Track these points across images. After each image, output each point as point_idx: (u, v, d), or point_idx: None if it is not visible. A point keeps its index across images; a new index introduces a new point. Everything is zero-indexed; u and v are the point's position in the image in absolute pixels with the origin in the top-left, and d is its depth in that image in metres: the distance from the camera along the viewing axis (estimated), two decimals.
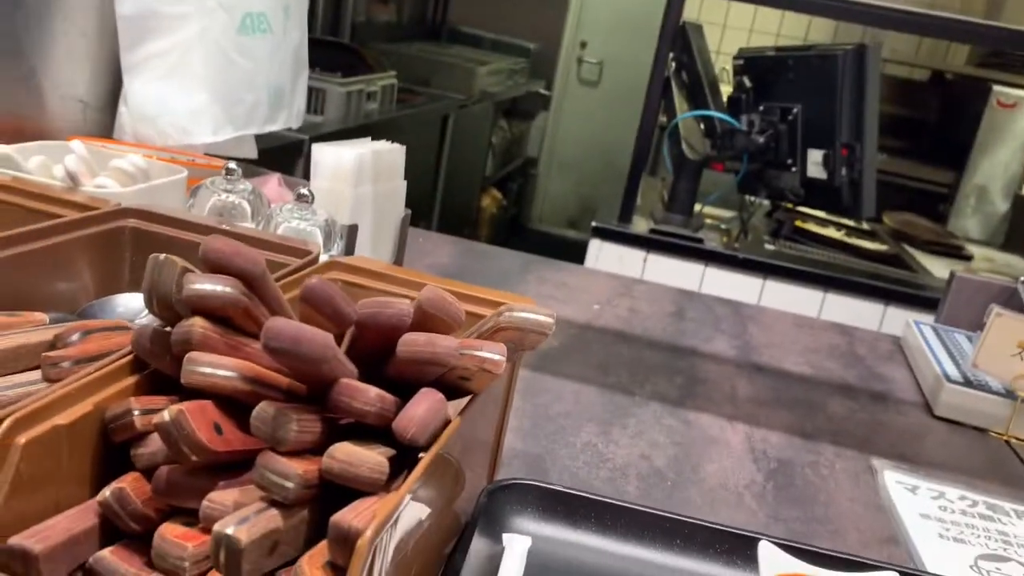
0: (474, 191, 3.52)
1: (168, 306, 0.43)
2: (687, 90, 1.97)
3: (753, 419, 0.85)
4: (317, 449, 0.40)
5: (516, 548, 0.55)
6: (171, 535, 0.39)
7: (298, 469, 0.38)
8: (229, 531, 0.35)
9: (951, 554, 0.66)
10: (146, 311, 0.44)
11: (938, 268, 2.02)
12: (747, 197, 2.06)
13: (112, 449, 0.43)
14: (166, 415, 0.39)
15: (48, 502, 0.40)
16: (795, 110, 1.84)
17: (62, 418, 0.40)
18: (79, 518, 0.40)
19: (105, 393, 0.42)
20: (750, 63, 2.02)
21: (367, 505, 0.39)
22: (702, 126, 1.91)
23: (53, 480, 0.40)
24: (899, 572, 0.55)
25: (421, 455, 0.41)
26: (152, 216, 0.68)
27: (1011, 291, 1.14)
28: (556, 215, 4.26)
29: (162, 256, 0.43)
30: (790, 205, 2.11)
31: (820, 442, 0.82)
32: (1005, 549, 0.68)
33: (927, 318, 1.18)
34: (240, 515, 0.37)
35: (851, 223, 2.24)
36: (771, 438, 0.82)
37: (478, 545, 0.54)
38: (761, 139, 1.86)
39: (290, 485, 0.38)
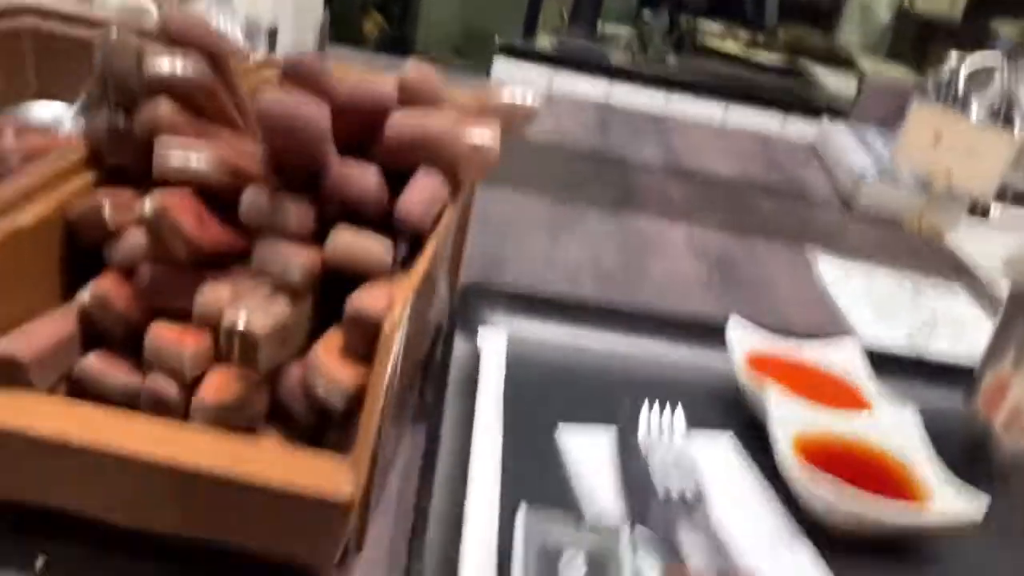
0: (356, 13, 3.33)
1: (126, 90, 0.38)
2: None
3: (690, 220, 0.86)
4: (310, 239, 0.38)
5: (493, 342, 0.55)
6: (166, 335, 0.36)
7: (302, 255, 0.36)
8: (242, 321, 0.33)
9: (888, 327, 0.70)
10: (72, 116, 0.39)
11: (832, 80, 2.07)
12: (644, 13, 2.02)
13: (79, 252, 0.39)
14: (148, 206, 0.35)
15: (18, 310, 0.36)
16: None
17: (24, 219, 0.36)
18: (59, 324, 0.37)
19: (66, 190, 0.38)
20: None
21: (377, 290, 0.37)
22: None
23: (21, 286, 0.37)
24: (859, 342, 0.58)
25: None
26: (53, 14, 0.60)
27: (920, 90, 1.18)
28: (441, 41, 4.10)
29: (115, 34, 0.38)
30: (689, 21, 2.09)
31: (755, 238, 0.85)
32: (933, 320, 0.73)
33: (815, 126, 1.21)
34: (249, 306, 0.34)
35: (748, 37, 2.24)
36: (709, 236, 0.83)
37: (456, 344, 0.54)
38: None
39: (296, 271, 0.36)
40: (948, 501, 0.44)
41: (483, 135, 0.42)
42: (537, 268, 0.70)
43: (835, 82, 2.07)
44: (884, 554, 0.44)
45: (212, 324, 0.37)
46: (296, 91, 0.36)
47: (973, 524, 0.43)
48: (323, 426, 0.37)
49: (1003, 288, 0.82)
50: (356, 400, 0.35)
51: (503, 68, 1.84)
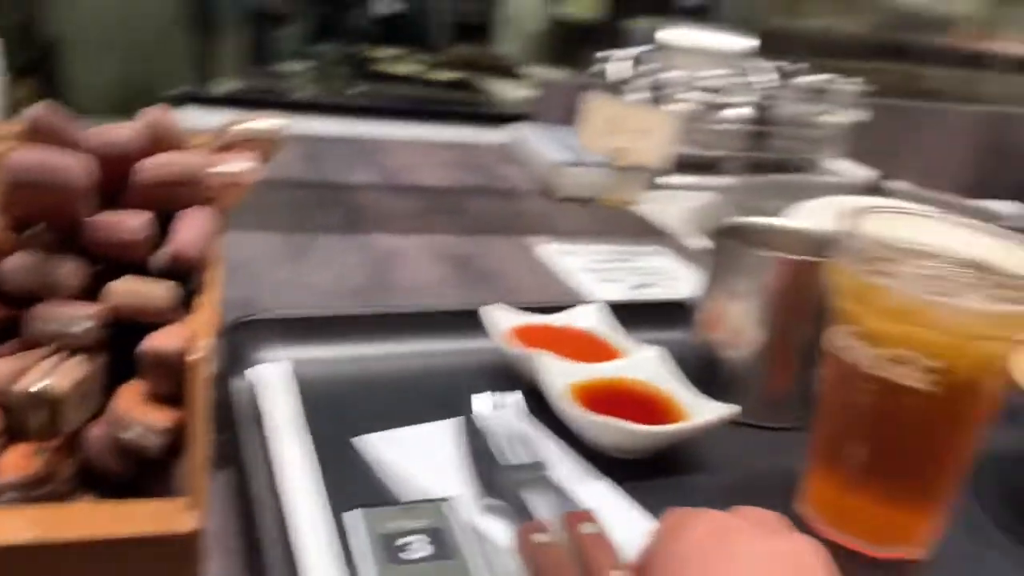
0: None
1: None
2: None
3: (420, 229, 0.91)
4: (89, 296, 0.37)
5: (274, 371, 0.55)
6: None
7: (83, 310, 0.35)
8: (40, 385, 0.32)
9: (615, 289, 0.79)
10: None
11: (503, 89, 2.23)
12: (317, 47, 2.05)
13: None
14: None
15: None
16: None
17: None
18: None
19: None
20: None
21: (169, 330, 0.37)
22: None
23: None
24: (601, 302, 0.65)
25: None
26: None
27: (588, 85, 1.32)
28: (100, 100, 3.82)
29: None
30: (360, 50, 2.15)
31: (483, 235, 0.91)
32: (646, 277, 0.83)
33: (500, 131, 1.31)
34: (43, 369, 0.33)
35: (421, 59, 2.35)
36: (441, 241, 0.88)
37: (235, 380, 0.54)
38: None
39: (88, 325, 0.35)
40: (704, 413, 0.52)
41: (237, 165, 0.43)
42: (289, 298, 0.70)
43: (508, 90, 2.23)
44: (664, 470, 0.51)
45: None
46: (44, 147, 0.35)
47: (725, 424, 0.51)
48: (137, 480, 0.37)
49: (689, 240, 0.95)
50: (171, 443, 0.35)
51: (186, 117, 1.77)
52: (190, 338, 0.36)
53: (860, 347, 0.43)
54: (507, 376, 0.58)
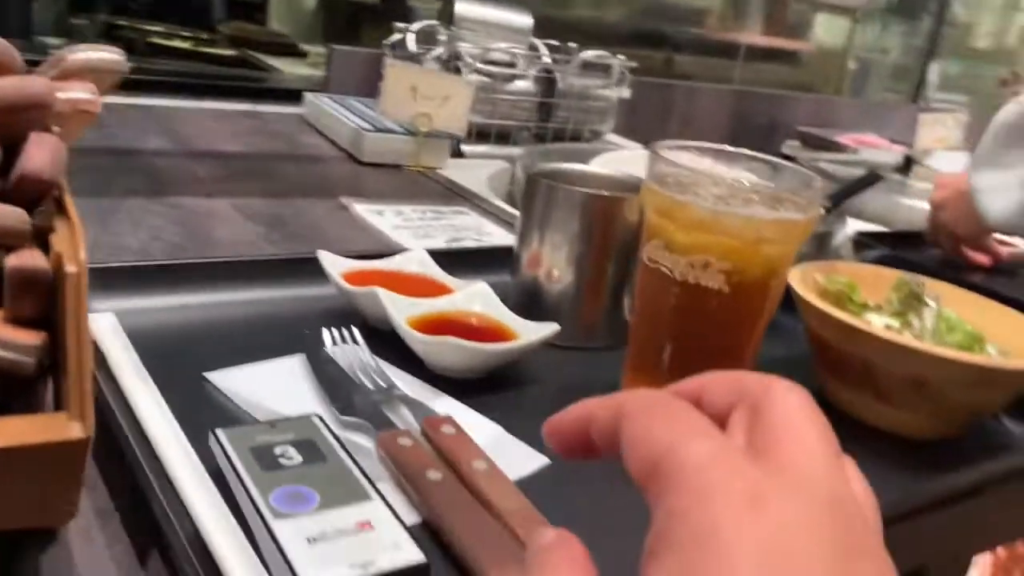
0: None
1: None
2: None
3: (227, 192, 0.90)
4: None
5: (105, 325, 0.54)
6: None
7: None
8: None
9: (430, 243, 0.83)
10: None
11: (283, 65, 2.19)
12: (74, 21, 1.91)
13: None
14: None
15: None
16: None
17: None
18: None
19: None
20: None
21: (28, 251, 0.36)
22: None
23: None
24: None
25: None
26: None
27: (379, 56, 1.34)
28: None
29: None
30: (125, 22, 2.02)
31: (292, 197, 0.92)
32: (458, 232, 0.88)
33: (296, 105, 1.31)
34: None
35: (190, 34, 2.25)
36: (254, 203, 0.88)
37: None
38: None
39: None
40: (531, 333, 0.57)
41: (81, 93, 0.42)
42: (107, 257, 0.68)
43: (288, 66, 2.20)
44: (500, 387, 0.56)
45: None
46: None
47: (549, 346, 0.57)
48: (10, 399, 0.36)
49: (491, 201, 1.01)
50: (44, 361, 0.35)
51: None
52: (55, 256, 0.36)
53: (669, 257, 0.49)
54: (342, 317, 0.60)
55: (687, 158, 0.52)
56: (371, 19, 2.71)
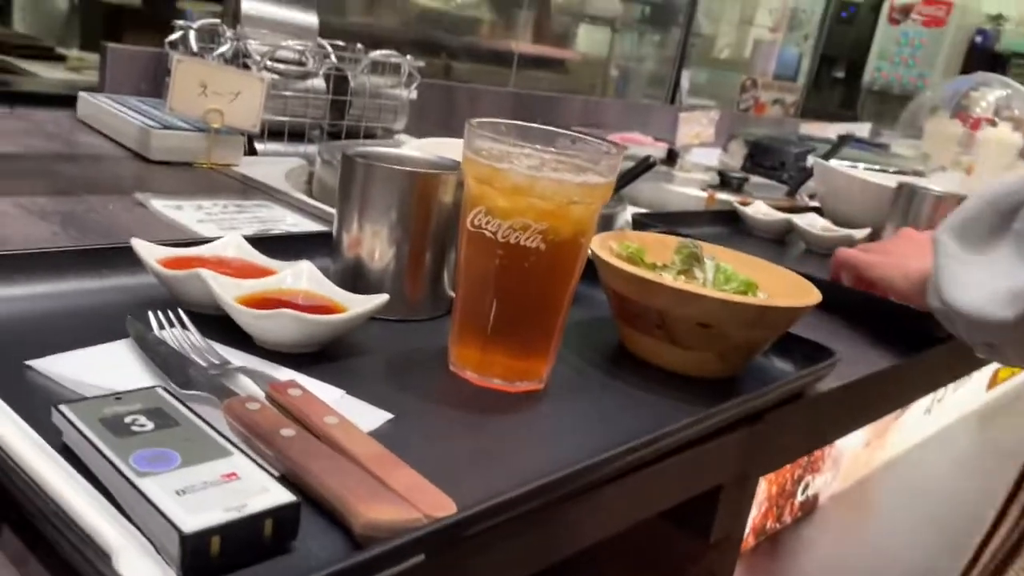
0: None
1: None
2: None
3: (8, 192, 0.84)
4: None
5: None
6: None
7: None
8: None
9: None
10: None
11: (39, 69, 2.03)
12: None
13: None
14: None
15: None
16: None
17: None
18: None
19: None
20: None
21: None
22: None
23: None
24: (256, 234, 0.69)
25: None
26: None
27: (158, 55, 1.29)
28: None
29: None
30: None
31: (82, 196, 0.88)
32: (264, 224, 0.88)
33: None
34: None
35: None
36: (38, 201, 0.83)
37: None
38: None
39: None
40: (359, 305, 0.60)
41: None
42: None
43: (46, 70, 2.04)
44: (333, 358, 0.58)
45: None
46: None
47: (376, 319, 0.60)
48: None
49: (289, 195, 1.02)
50: None
51: None
52: None
53: (491, 221, 0.54)
54: (161, 304, 0.59)
55: (497, 133, 0.57)
56: (132, 22, 2.58)
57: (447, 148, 0.88)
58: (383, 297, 0.60)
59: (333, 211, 0.96)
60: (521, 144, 0.55)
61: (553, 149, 0.55)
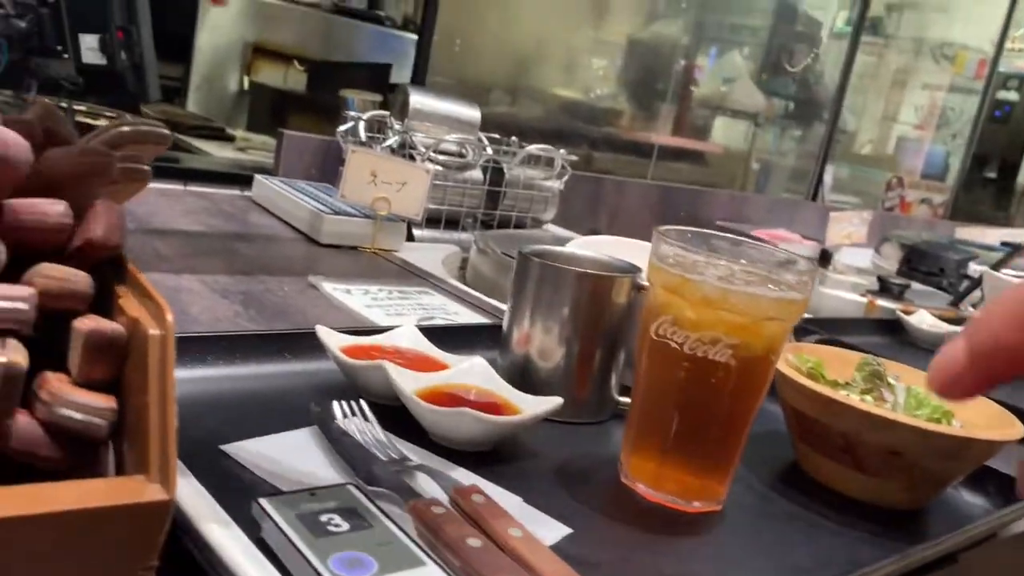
0: None
1: None
2: None
3: (194, 269, 0.89)
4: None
5: None
6: None
7: (24, 290, 0.34)
8: (1, 359, 0.31)
9: (403, 321, 0.84)
10: None
11: (211, 148, 2.18)
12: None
13: None
14: None
15: None
16: None
17: None
18: None
19: None
20: None
21: (96, 318, 0.37)
22: None
23: None
24: (418, 325, 0.70)
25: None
26: None
27: (328, 143, 1.36)
28: None
29: None
30: (49, 100, 1.99)
31: (260, 275, 0.92)
32: (427, 311, 0.90)
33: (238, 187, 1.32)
34: None
35: (115, 115, 2.22)
36: (220, 280, 0.88)
37: None
38: (23, 23, 1.71)
39: (24, 307, 0.34)
40: (533, 407, 0.59)
41: (131, 160, 0.43)
42: None
43: (215, 149, 2.19)
44: (504, 460, 0.57)
45: None
46: None
47: (551, 413, 0.59)
48: (63, 468, 0.35)
49: (449, 282, 1.04)
50: (115, 424, 0.35)
51: None
52: (131, 320, 0.36)
53: (677, 332, 0.53)
54: (340, 391, 0.61)
55: (681, 240, 0.56)
56: (297, 106, 2.75)
57: (611, 246, 0.88)
58: (557, 401, 0.59)
59: (490, 300, 0.98)
60: (712, 254, 0.54)
61: (744, 261, 0.54)
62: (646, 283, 0.63)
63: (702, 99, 2.94)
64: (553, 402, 0.59)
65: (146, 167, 0.43)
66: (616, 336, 0.66)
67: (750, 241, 0.59)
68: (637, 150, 2.76)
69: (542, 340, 0.66)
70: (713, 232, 0.60)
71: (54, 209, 0.37)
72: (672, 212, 1.91)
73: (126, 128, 0.45)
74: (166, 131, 0.47)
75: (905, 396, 0.62)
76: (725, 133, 2.98)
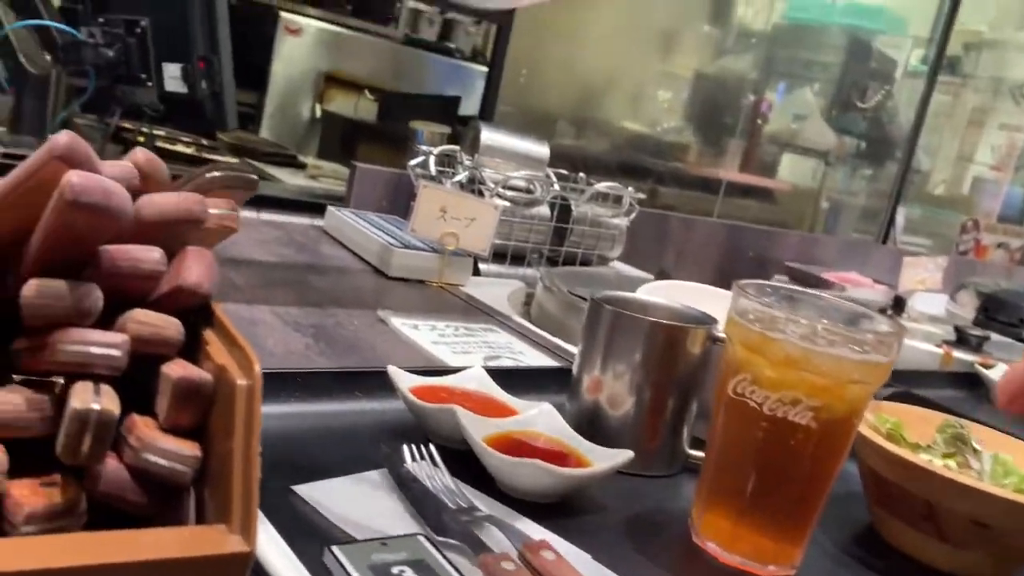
0: None
1: None
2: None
3: (267, 300, 0.91)
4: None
5: None
6: None
7: (117, 336, 0.35)
8: (96, 407, 0.32)
9: (469, 359, 0.84)
10: None
11: (284, 175, 2.23)
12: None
13: None
14: None
15: None
16: (143, 23, 1.80)
17: None
18: None
19: None
20: None
21: (180, 363, 0.37)
22: (38, 37, 1.73)
23: None
24: (485, 367, 0.70)
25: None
26: None
27: (399, 175, 1.38)
28: None
29: None
30: (130, 125, 2.06)
31: (330, 307, 0.93)
32: (493, 350, 0.90)
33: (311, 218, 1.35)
34: (82, 395, 0.32)
35: (193, 140, 2.29)
36: (292, 312, 0.89)
37: None
38: (111, 52, 1.78)
39: (118, 353, 0.34)
40: (603, 459, 0.58)
41: (225, 209, 0.44)
42: None
43: (286, 176, 2.24)
44: (571, 512, 0.56)
45: (4, 433, 0.33)
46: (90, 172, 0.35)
47: (618, 469, 0.58)
48: (149, 513, 0.36)
49: (515, 318, 1.03)
50: (200, 471, 0.35)
51: None
52: (218, 368, 0.37)
53: (756, 391, 0.51)
54: (408, 431, 0.61)
55: (761, 295, 0.55)
56: (368, 136, 2.79)
57: (683, 291, 0.87)
58: (627, 454, 0.58)
59: (555, 340, 0.98)
60: (793, 310, 0.52)
61: (826, 321, 0.53)
62: (721, 335, 0.62)
63: (771, 135, 2.91)
64: (624, 455, 0.58)
65: (237, 216, 0.44)
66: (689, 387, 0.65)
67: (830, 296, 0.58)
68: (703, 186, 2.74)
69: (612, 389, 0.65)
70: (794, 288, 0.59)
71: (149, 256, 0.38)
72: (740, 252, 1.88)
73: (218, 174, 0.46)
74: (255, 177, 0.47)
75: (991, 464, 0.60)
76: (794, 170, 2.94)
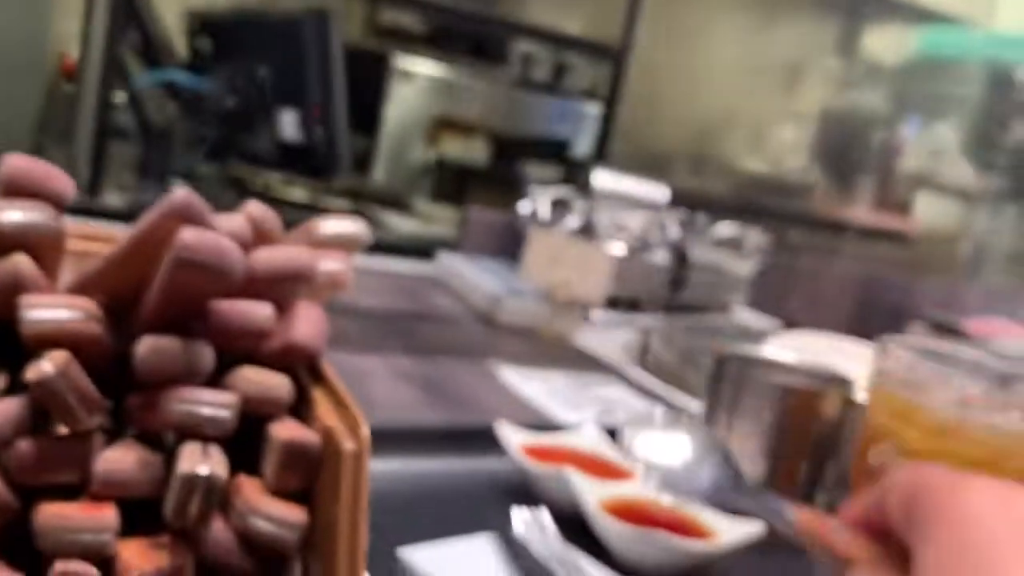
0: None
1: None
2: (139, 53, 1.87)
3: (377, 350, 0.91)
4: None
5: None
6: (68, 512, 0.31)
7: (227, 396, 0.34)
8: (205, 470, 0.31)
9: (579, 415, 0.81)
10: None
11: (395, 219, 2.27)
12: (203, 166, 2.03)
13: None
14: (48, 367, 0.30)
15: None
16: (261, 72, 1.87)
17: None
18: None
19: None
20: (206, 25, 1.99)
21: (290, 423, 0.36)
22: (163, 88, 1.83)
23: None
24: (596, 423, 0.67)
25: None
26: None
27: (510, 220, 1.38)
28: None
29: None
30: (246, 171, 2.14)
31: (439, 356, 0.92)
32: (607, 405, 0.86)
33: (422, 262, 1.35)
34: (192, 457, 0.31)
35: (307, 185, 2.36)
36: (401, 362, 0.88)
37: None
38: (231, 102, 1.86)
39: (227, 415, 0.33)
40: (730, 530, 0.54)
41: (336, 265, 0.43)
42: None
43: (396, 222, 2.28)
44: None
45: (116, 492, 0.32)
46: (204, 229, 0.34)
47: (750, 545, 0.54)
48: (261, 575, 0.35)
49: (630, 370, 1.00)
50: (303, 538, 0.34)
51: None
52: (325, 430, 0.35)
53: (903, 463, 0.46)
54: (518, 492, 0.58)
55: (907, 353, 0.50)
56: (479, 180, 2.82)
57: (814, 345, 0.82)
58: (758, 528, 0.54)
59: (673, 394, 0.93)
60: (945, 372, 0.47)
61: (984, 384, 0.47)
62: (859, 398, 0.57)
63: (904, 173, 2.77)
64: (755, 527, 0.54)
65: (348, 272, 0.43)
66: (823, 453, 0.60)
67: (988, 356, 0.52)
68: (831, 227, 2.62)
69: (737, 451, 0.61)
70: (943, 351, 0.53)
71: (260, 313, 0.37)
72: (875, 301, 1.79)
73: (329, 231, 0.45)
74: (366, 235, 0.46)
75: None
76: (930, 211, 2.78)
